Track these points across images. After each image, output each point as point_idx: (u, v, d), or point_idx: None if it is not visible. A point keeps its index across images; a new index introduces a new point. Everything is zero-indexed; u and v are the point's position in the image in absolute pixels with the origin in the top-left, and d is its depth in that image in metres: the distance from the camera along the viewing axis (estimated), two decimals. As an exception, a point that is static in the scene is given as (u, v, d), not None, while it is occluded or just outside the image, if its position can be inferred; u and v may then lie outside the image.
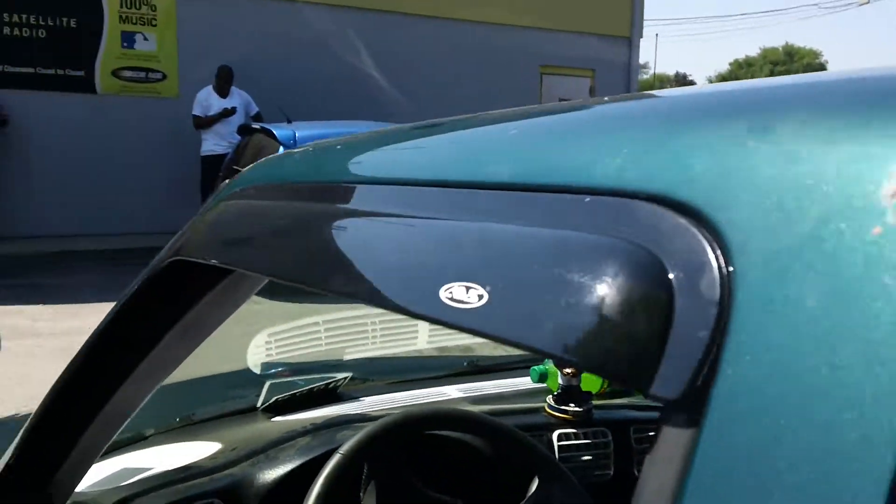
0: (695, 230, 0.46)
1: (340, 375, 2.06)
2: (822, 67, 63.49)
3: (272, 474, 1.56)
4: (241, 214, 0.87)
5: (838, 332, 0.38)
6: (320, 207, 0.76)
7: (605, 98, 0.68)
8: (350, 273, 0.66)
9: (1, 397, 4.22)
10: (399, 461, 1.47)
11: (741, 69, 63.64)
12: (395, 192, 0.70)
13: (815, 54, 64.12)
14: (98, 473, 1.55)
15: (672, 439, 0.43)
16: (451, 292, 0.54)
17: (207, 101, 9.01)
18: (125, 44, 9.64)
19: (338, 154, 0.86)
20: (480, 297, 0.53)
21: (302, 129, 7.59)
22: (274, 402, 1.92)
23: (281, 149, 7.22)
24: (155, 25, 9.83)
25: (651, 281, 0.46)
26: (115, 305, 1.09)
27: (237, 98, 9.12)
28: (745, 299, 0.42)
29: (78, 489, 1.37)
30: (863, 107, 0.45)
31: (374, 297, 0.61)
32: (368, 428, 1.46)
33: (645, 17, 13.41)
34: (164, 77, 9.92)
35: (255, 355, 2.11)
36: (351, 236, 0.70)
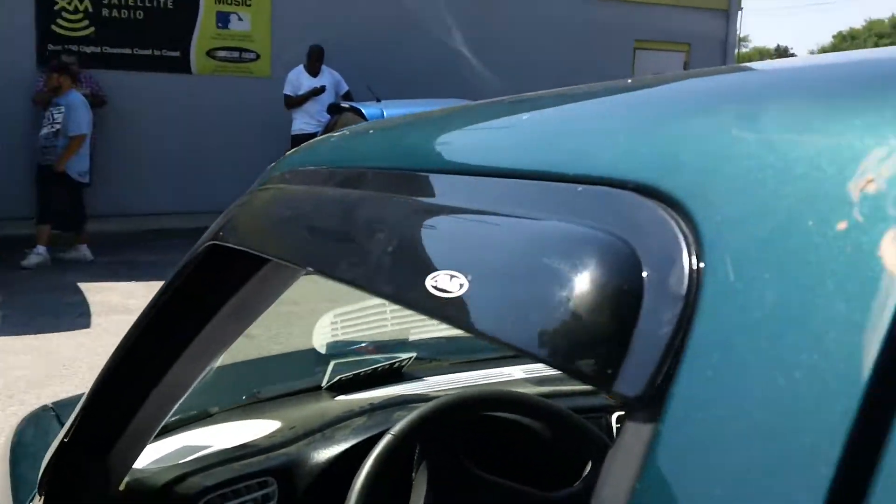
0: (673, 223, 0.45)
1: (405, 355, 2.07)
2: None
3: (326, 454, 1.58)
4: (272, 201, 0.88)
5: (799, 330, 0.37)
6: (337, 194, 0.76)
7: (608, 84, 0.67)
8: (351, 259, 0.66)
9: (90, 375, 4.41)
10: (452, 442, 1.47)
11: (844, 42, 61.02)
12: (405, 178, 0.69)
13: (926, 25, 60.98)
14: (159, 451, 1.59)
15: (632, 435, 0.42)
16: (436, 281, 0.54)
17: (298, 80, 9.14)
18: (220, 24, 9.86)
19: (364, 140, 0.86)
20: (461, 286, 0.52)
21: (390, 108, 7.65)
22: (338, 381, 1.94)
23: (369, 128, 7.30)
24: (249, 6, 10.01)
25: (624, 276, 0.45)
26: (161, 288, 1.12)
27: (327, 77, 9.23)
28: (711, 296, 0.41)
29: (138, 465, 1.42)
30: (841, 95, 0.42)
31: (370, 284, 0.61)
32: (421, 409, 1.46)
33: (745, -10, 12.97)
34: (258, 57, 10.10)
35: (321, 335, 2.13)
36: (357, 222, 0.70)
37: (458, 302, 0.51)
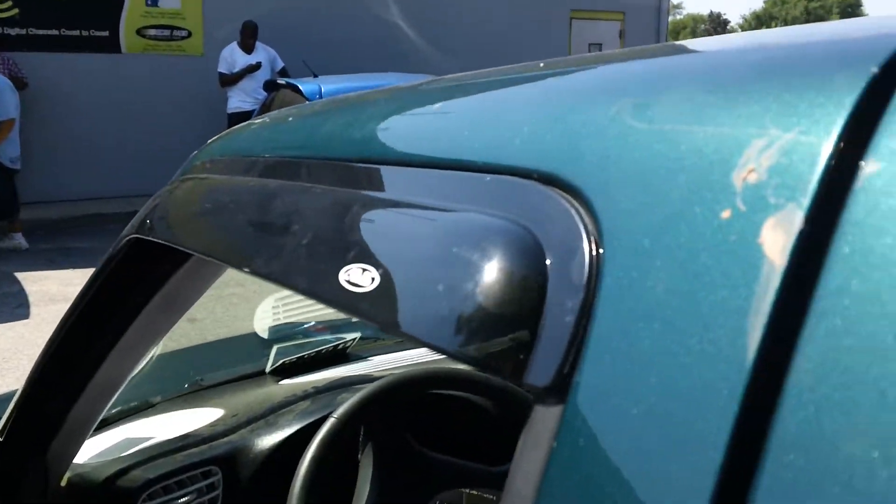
0: (574, 212, 0.46)
1: (349, 336, 2.06)
2: (857, 3, 61.65)
3: (270, 440, 1.57)
4: (192, 192, 0.87)
5: (688, 317, 0.38)
6: (256, 184, 0.76)
7: (519, 69, 0.67)
8: (268, 253, 0.66)
9: (28, 367, 4.31)
10: (396, 423, 1.48)
11: (775, 6, 61.99)
12: (321, 167, 0.69)
13: (850, -13, 62.35)
14: (101, 444, 1.57)
15: (539, 423, 0.43)
16: (349, 275, 0.54)
17: (232, 57, 8.99)
18: (149, 2, 9.61)
19: (283, 128, 0.86)
20: (373, 280, 0.52)
21: (328, 84, 7.57)
22: (281, 364, 1.94)
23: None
24: (179, -18, 9.80)
25: (529, 267, 0.46)
26: (87, 282, 1.10)
27: (262, 54, 9.09)
28: (610, 284, 0.42)
29: (79, 460, 1.41)
30: (730, 84, 0.44)
31: (285, 279, 0.61)
32: (364, 390, 1.46)
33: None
34: (189, 35, 9.89)
35: (263, 320, 2.12)
36: (274, 214, 0.70)
37: (371, 296, 0.52)
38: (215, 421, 1.68)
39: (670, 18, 14.03)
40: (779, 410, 0.33)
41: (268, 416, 1.65)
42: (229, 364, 2.10)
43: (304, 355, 1.96)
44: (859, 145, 0.35)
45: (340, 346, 2.03)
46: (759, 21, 60.16)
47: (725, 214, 0.38)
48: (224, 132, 1.03)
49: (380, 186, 0.62)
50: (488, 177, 0.53)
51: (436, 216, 0.54)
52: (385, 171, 0.62)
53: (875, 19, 0.62)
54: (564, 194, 0.47)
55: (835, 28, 0.51)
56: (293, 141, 0.82)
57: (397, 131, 0.69)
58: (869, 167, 0.34)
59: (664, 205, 0.41)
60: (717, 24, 60.40)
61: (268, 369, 1.95)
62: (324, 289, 0.56)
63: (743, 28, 61.77)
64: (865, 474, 0.30)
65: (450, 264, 0.49)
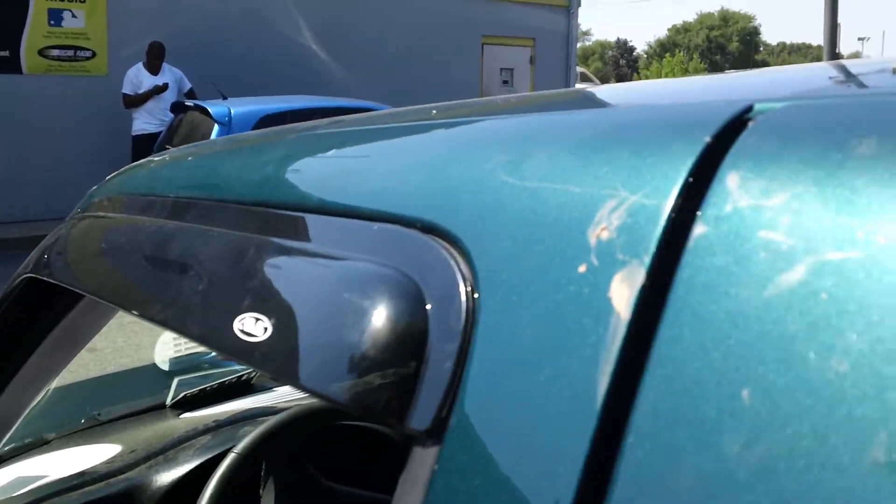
0: (453, 262, 0.48)
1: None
2: (755, 31, 64.54)
3: (169, 476, 1.54)
4: (88, 231, 0.87)
5: (550, 364, 0.41)
6: (153, 225, 0.77)
7: (413, 116, 0.70)
8: (164, 299, 0.67)
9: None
10: (299, 456, 1.47)
11: (679, 34, 64.32)
12: (217, 209, 0.71)
13: (749, 18, 65.11)
14: (-8, 483, 1.53)
15: (418, 464, 0.46)
16: (242, 324, 0.56)
17: (137, 78, 8.83)
18: (52, 21, 9.38)
19: (182, 166, 0.87)
20: (266, 329, 0.54)
21: (237, 106, 7.48)
22: (182, 397, 1.90)
23: (216, 126, 7.12)
24: (83, 2, 9.57)
25: (411, 314, 0.48)
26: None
27: (168, 75, 8.95)
28: (484, 330, 0.45)
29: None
30: (592, 144, 0.47)
31: (181, 327, 0.62)
32: (266, 424, 1.46)
33: (585, -14, 13.40)
34: (94, 55, 9.67)
35: (163, 351, 2.08)
36: (171, 258, 0.71)
37: (263, 346, 0.53)
38: (113, 457, 1.64)
39: (579, 45, 14.38)
40: (623, 450, 0.37)
41: (167, 451, 1.62)
42: (129, 397, 2.06)
43: (205, 387, 1.94)
44: (692, 209, 0.39)
45: (244, 378, 2.01)
46: (663, 48, 62.15)
47: (582, 269, 0.41)
48: (123, 168, 1.03)
49: (274, 231, 0.64)
50: (376, 225, 0.55)
51: (326, 264, 0.56)
52: (280, 216, 0.64)
53: (731, 78, 0.67)
54: (445, 244, 0.50)
55: (689, 87, 0.55)
56: (191, 181, 0.83)
57: (292, 176, 0.71)
58: (698, 229, 0.38)
59: (532, 257, 0.44)
60: (623, 51, 62.17)
61: (168, 402, 1.91)
62: (218, 338, 0.57)
63: (648, 54, 63.75)
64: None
65: (338, 313, 0.51)
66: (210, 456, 1.55)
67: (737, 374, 0.34)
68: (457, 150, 0.58)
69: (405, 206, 0.55)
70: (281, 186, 0.69)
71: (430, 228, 0.51)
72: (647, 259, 0.39)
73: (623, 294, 0.39)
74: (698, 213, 0.39)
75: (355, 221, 0.57)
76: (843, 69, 0.66)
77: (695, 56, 56.07)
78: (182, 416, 1.85)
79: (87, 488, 1.51)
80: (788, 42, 73.39)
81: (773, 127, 0.41)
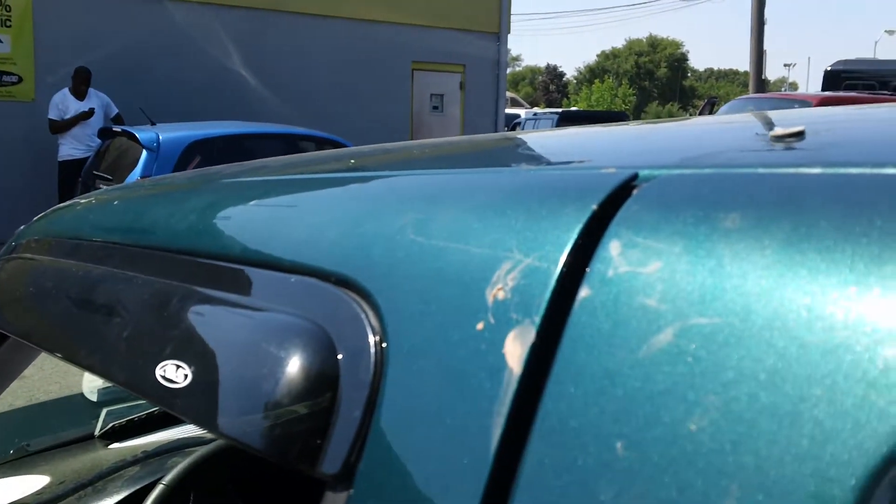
0: (364, 315, 0.52)
1: (182, 396, 2.03)
2: (683, 57, 66.40)
3: None
4: (14, 273, 0.88)
5: (450, 417, 0.44)
6: (79, 269, 0.78)
7: (339, 162, 0.73)
8: (89, 344, 0.69)
9: None
10: (227, 487, 1.48)
11: (608, 60, 65.81)
12: (142, 256, 0.73)
13: (677, 45, 67.01)
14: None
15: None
16: (164, 370, 0.58)
17: (64, 103, 8.67)
18: (-24, 45, 9.19)
19: (108, 210, 0.88)
20: (186, 376, 0.56)
21: (166, 132, 7.39)
22: (111, 428, 1.89)
23: (144, 152, 7.03)
24: (9, 26, 9.38)
25: (324, 365, 0.51)
26: None
27: (95, 100, 8.81)
28: (391, 381, 0.48)
29: None
30: (494, 205, 0.51)
31: (106, 371, 0.64)
32: (194, 454, 1.46)
33: (519, 12, 13.63)
34: (20, 80, 9.48)
35: (92, 381, 2.06)
36: (96, 303, 0.72)
37: (184, 393, 0.55)
38: (41, 489, 1.63)
39: (509, 70, 14.57)
40: (513, 497, 0.40)
41: (96, 482, 1.61)
42: (57, 427, 2.03)
43: (134, 417, 1.93)
44: (579, 273, 0.43)
45: None
46: (592, 74, 63.39)
47: (480, 326, 0.45)
48: (50, 210, 1.04)
49: (197, 280, 0.66)
50: (293, 277, 0.58)
51: (246, 314, 0.59)
52: (203, 265, 0.67)
53: (627, 132, 0.72)
54: (357, 297, 0.53)
55: (585, 144, 0.60)
56: (117, 225, 0.84)
57: (216, 225, 0.73)
58: (583, 292, 0.42)
59: (436, 313, 0.48)
60: (553, 76, 63.21)
61: (97, 433, 1.90)
62: (141, 383, 0.59)
63: (578, 79, 64.94)
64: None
65: (255, 363, 0.54)
66: (138, 487, 1.55)
67: (613, 427, 0.38)
68: (371, 206, 0.61)
69: (322, 260, 0.58)
70: (205, 235, 0.71)
71: (343, 282, 0.54)
72: (538, 319, 0.42)
73: (515, 351, 0.42)
74: (584, 277, 0.43)
75: (275, 273, 0.60)
76: (731, 128, 0.71)
77: (624, 82, 57.34)
78: (111, 446, 1.84)
79: None
80: (716, 68, 75.64)
81: (654, 197, 0.45)
